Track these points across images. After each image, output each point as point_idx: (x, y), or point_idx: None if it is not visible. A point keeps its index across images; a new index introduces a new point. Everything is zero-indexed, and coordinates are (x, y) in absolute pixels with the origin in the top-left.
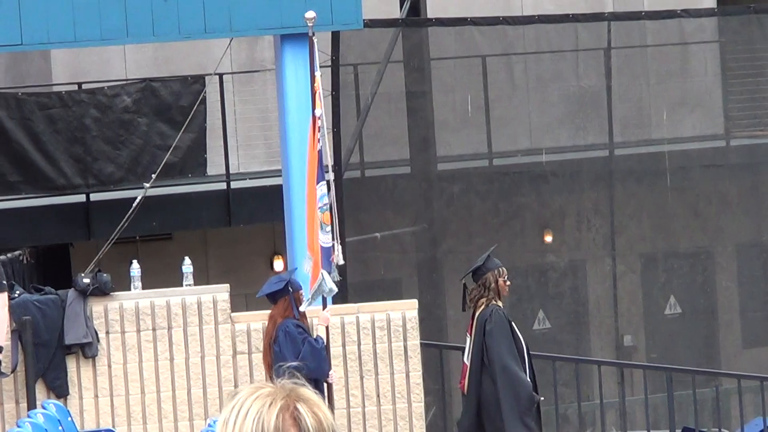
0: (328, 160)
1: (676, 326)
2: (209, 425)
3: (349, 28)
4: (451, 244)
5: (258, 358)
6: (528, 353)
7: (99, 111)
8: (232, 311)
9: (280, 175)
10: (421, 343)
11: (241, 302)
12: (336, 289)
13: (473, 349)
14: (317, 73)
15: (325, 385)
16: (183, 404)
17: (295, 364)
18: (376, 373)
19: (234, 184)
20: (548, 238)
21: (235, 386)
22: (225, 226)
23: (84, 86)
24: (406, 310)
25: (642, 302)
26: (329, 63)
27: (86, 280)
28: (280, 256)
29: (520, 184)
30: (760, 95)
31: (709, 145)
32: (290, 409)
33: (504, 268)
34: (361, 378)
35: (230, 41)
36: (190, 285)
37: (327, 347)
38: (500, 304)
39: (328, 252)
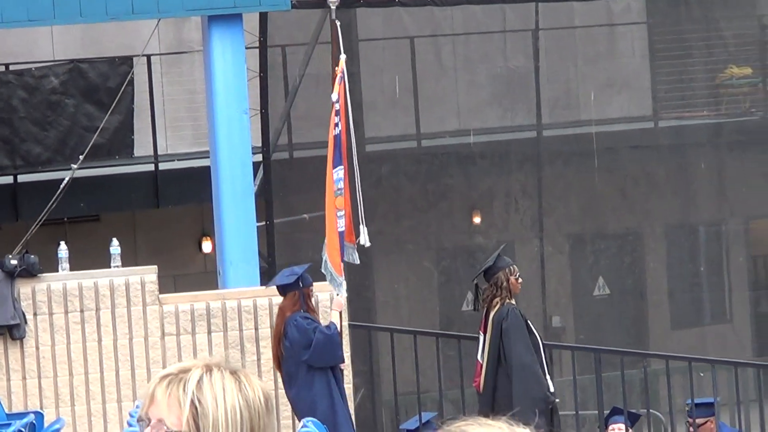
0: (352, 146)
1: (604, 307)
2: (137, 406)
3: (277, 9)
4: (379, 226)
5: (186, 339)
6: (544, 351)
7: (26, 92)
8: (160, 293)
9: (208, 157)
10: (349, 325)
11: (169, 283)
12: (343, 282)
13: (489, 348)
14: (342, 57)
15: (340, 370)
16: (111, 386)
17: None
18: None
19: (162, 166)
20: (476, 220)
21: (164, 368)
22: (153, 207)
23: (11, 67)
24: (330, 291)
25: (570, 283)
26: (257, 44)
27: (14, 262)
28: (208, 238)
29: (448, 165)
30: (687, 77)
31: (636, 126)
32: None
33: (515, 266)
34: None
35: (158, 22)
36: (118, 266)
37: (340, 333)
38: (513, 302)
39: (341, 237)
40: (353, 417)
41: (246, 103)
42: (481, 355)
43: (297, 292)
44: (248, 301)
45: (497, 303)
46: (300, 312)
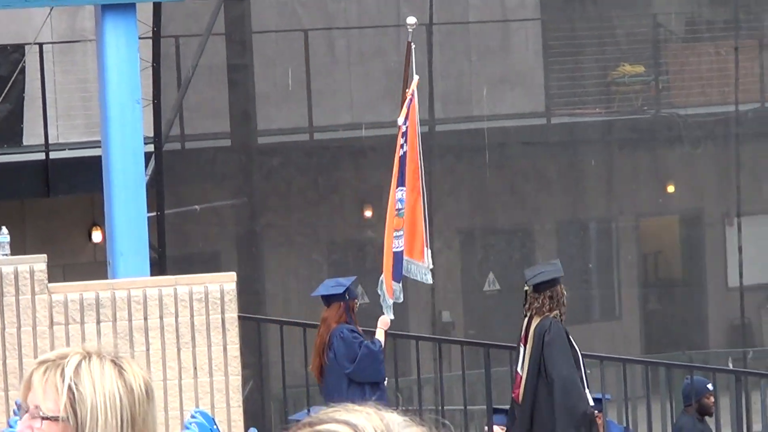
0: (422, 169)
1: (494, 303)
2: None
3: (171, 0)
4: (270, 218)
5: (75, 329)
6: (583, 365)
7: None
8: (50, 282)
9: (100, 146)
10: (239, 316)
11: (58, 273)
12: (395, 300)
13: (530, 359)
14: (414, 79)
15: (384, 386)
16: None
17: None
18: (194, 346)
19: (53, 155)
20: (367, 213)
21: None
22: (43, 196)
23: None
24: (224, 282)
25: (460, 279)
26: (150, 34)
27: None
28: (98, 228)
29: (340, 158)
30: (579, 74)
31: (529, 122)
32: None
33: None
34: (178, 350)
35: (50, 10)
36: (6, 255)
37: (384, 351)
38: (563, 316)
39: (399, 257)
40: (242, 410)
41: (139, 93)
42: (521, 367)
43: (342, 304)
44: (138, 291)
45: (545, 315)
46: (346, 324)
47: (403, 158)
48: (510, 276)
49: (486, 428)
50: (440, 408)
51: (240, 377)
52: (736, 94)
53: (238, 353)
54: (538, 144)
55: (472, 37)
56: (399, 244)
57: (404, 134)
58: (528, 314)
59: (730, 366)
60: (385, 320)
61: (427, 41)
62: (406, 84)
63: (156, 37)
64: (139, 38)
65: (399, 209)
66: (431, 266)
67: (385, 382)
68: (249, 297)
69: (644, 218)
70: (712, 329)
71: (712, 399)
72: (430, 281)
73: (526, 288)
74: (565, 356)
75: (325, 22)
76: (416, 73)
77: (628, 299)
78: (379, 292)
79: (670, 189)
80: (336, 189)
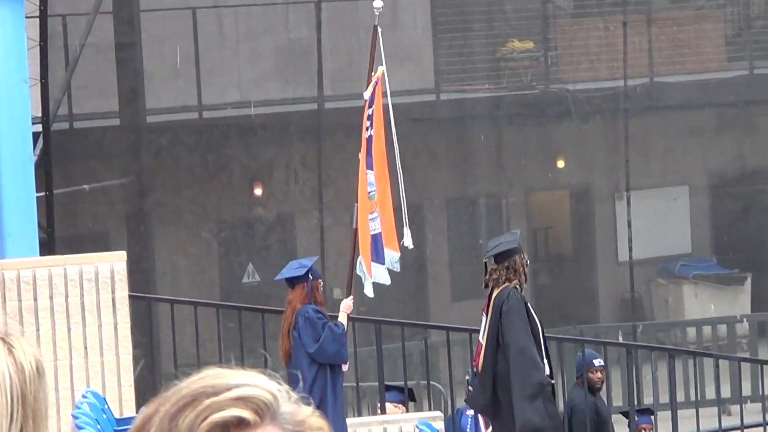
0: (396, 154)
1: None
2: None
3: None
4: (159, 197)
5: None
6: (543, 335)
7: None
8: None
9: None
10: (129, 296)
11: None
12: (383, 282)
13: (489, 329)
14: (381, 68)
15: (342, 369)
16: None
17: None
18: (84, 326)
19: None
20: (257, 191)
21: None
22: None
23: None
24: (114, 262)
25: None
26: (37, 13)
27: None
28: None
29: (228, 136)
30: (468, 50)
31: (418, 99)
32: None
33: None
34: (69, 330)
35: None
36: None
37: (345, 334)
38: (524, 286)
39: (377, 239)
40: (133, 389)
41: (26, 73)
42: (482, 336)
43: (306, 284)
44: (27, 272)
45: (505, 285)
46: (311, 305)
47: (369, 141)
48: (401, 252)
49: (378, 405)
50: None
51: (131, 357)
52: (624, 69)
53: (128, 332)
54: (428, 120)
55: (360, 14)
56: (375, 227)
57: (369, 117)
58: (490, 285)
59: (620, 340)
60: (347, 303)
61: (316, 18)
62: (372, 68)
63: (43, 16)
64: (26, 17)
65: (370, 192)
66: (411, 246)
67: (345, 367)
68: (139, 276)
69: (534, 193)
70: (603, 303)
71: (598, 374)
72: (398, 269)
73: (485, 260)
74: (521, 326)
75: (214, 0)
76: (380, 62)
77: None
78: (359, 272)
79: (560, 164)
80: (225, 167)
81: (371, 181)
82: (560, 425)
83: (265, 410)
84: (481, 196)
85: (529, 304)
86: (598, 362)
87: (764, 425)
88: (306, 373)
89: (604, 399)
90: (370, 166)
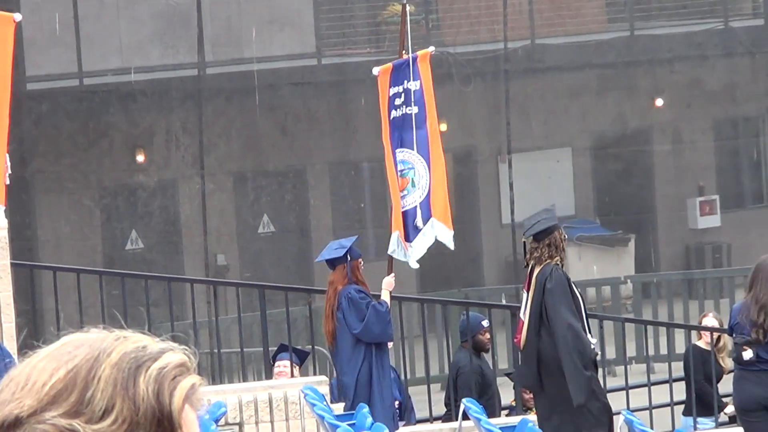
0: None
1: (269, 244)
2: None
3: None
4: (40, 164)
5: None
6: (585, 311)
7: None
8: None
9: None
10: (11, 264)
11: None
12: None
13: (532, 306)
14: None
15: (388, 347)
16: None
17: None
18: None
19: None
20: (139, 158)
21: None
22: None
23: None
24: None
25: (234, 221)
26: None
27: None
28: None
29: (109, 103)
30: (349, 14)
31: (299, 63)
32: None
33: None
34: None
35: None
36: None
37: (390, 312)
38: (564, 261)
39: (408, 217)
40: (17, 357)
41: None
42: (524, 313)
43: (345, 265)
44: None
45: (548, 262)
46: (353, 285)
47: (402, 119)
48: (283, 217)
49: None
50: (217, 351)
51: (14, 325)
52: (504, 32)
53: (11, 301)
54: (309, 84)
55: None
56: (404, 204)
57: (399, 95)
58: (530, 263)
59: (504, 302)
60: (389, 281)
61: None
62: (402, 45)
63: None
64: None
65: (401, 170)
66: (421, 225)
67: (390, 344)
68: (20, 244)
69: None
70: (487, 266)
71: (487, 335)
72: (452, 247)
73: (524, 239)
74: (566, 303)
75: None
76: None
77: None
78: (396, 248)
79: (443, 127)
80: (106, 133)
81: (404, 159)
82: (607, 400)
83: (196, 369)
84: (364, 161)
85: (571, 280)
86: (486, 323)
87: (648, 385)
88: (352, 354)
89: (489, 362)
90: (399, 145)
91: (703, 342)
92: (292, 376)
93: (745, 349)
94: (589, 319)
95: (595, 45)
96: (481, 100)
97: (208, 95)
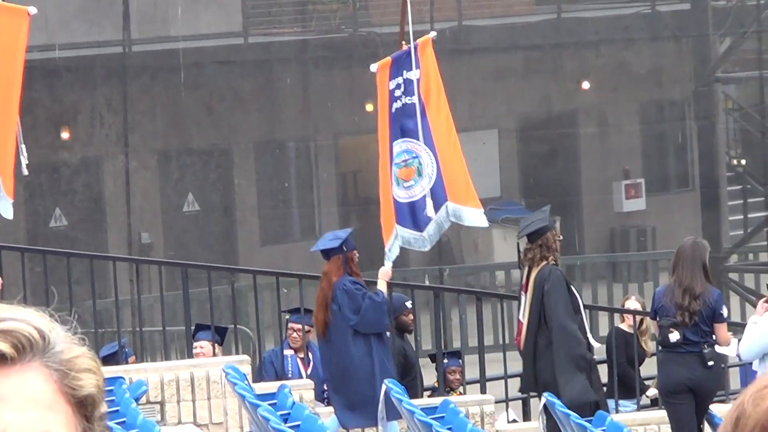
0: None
1: (193, 223)
2: None
3: None
4: None
5: None
6: (583, 310)
7: None
8: None
9: None
10: None
11: None
12: (420, 248)
13: (531, 307)
14: (433, 33)
15: (386, 336)
16: None
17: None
18: None
19: None
20: (64, 135)
21: None
22: None
23: None
24: None
25: (159, 199)
26: None
27: None
28: None
29: (33, 79)
30: None
31: (225, 42)
32: None
33: (557, 224)
34: None
35: None
36: None
37: (386, 302)
38: (559, 261)
39: (402, 207)
40: None
41: None
42: (523, 314)
43: (341, 256)
44: None
45: (542, 264)
46: (348, 276)
47: (402, 109)
48: (208, 196)
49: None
50: (139, 329)
51: None
52: (431, 13)
53: None
54: (234, 63)
55: None
56: (412, 194)
57: (399, 86)
58: (525, 265)
59: (427, 283)
60: (385, 271)
61: None
62: (402, 35)
63: None
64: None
65: (404, 160)
66: (433, 215)
67: (388, 334)
68: None
69: (342, 137)
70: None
71: (410, 316)
72: (486, 224)
73: (518, 240)
74: (564, 304)
75: None
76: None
77: (327, 218)
78: (392, 245)
79: (369, 108)
80: (30, 110)
81: (407, 149)
82: (603, 396)
83: (26, 346)
84: (290, 140)
85: (568, 281)
86: (409, 304)
87: None
88: (350, 345)
89: (412, 343)
90: (402, 135)
91: (626, 325)
92: (214, 354)
93: (672, 331)
94: (486, 298)
95: (522, 27)
96: None
97: (133, 72)
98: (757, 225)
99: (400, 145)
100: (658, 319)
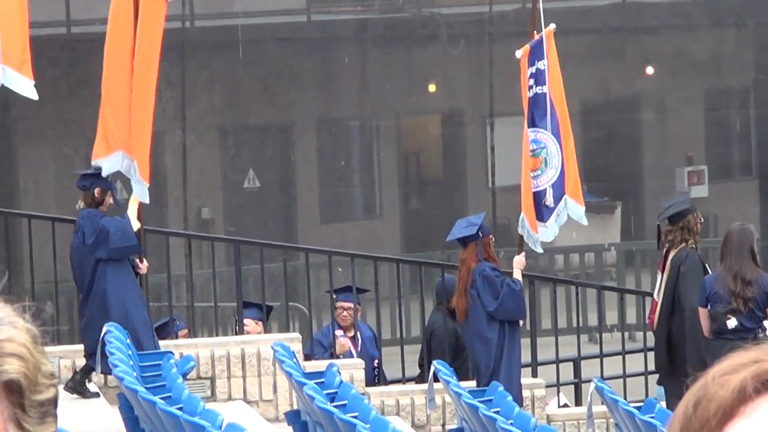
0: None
1: (253, 199)
2: None
3: None
4: (21, 111)
5: None
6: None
7: None
8: None
9: None
10: None
11: None
12: (544, 239)
13: (665, 288)
14: (551, 26)
15: (520, 325)
16: None
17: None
18: None
19: None
20: None
21: None
22: None
23: None
24: None
25: (218, 175)
26: None
27: None
28: None
29: (93, 52)
30: None
31: (284, 19)
32: None
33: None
34: None
35: None
36: None
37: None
38: (698, 244)
39: (538, 197)
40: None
41: None
42: (657, 294)
43: (477, 243)
44: None
45: (682, 246)
46: (486, 263)
47: (534, 98)
48: (266, 173)
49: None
50: (191, 305)
51: None
52: None
53: None
54: (294, 40)
55: None
56: (537, 184)
57: (533, 75)
58: (665, 246)
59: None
60: (520, 260)
61: None
62: (534, 24)
63: None
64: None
65: (534, 150)
66: (552, 204)
67: (521, 323)
68: (0, 190)
69: (404, 117)
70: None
71: None
72: (585, 223)
73: (658, 222)
74: (697, 287)
75: None
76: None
77: (388, 198)
78: (521, 231)
79: (431, 88)
80: (88, 82)
81: (536, 138)
82: None
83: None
84: (350, 119)
85: (706, 264)
86: None
87: (623, 354)
88: (486, 331)
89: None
90: (533, 124)
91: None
92: (266, 332)
93: (729, 318)
94: (570, 286)
95: (583, 11)
96: (466, 63)
97: (192, 47)
98: None
99: (530, 134)
100: (709, 307)
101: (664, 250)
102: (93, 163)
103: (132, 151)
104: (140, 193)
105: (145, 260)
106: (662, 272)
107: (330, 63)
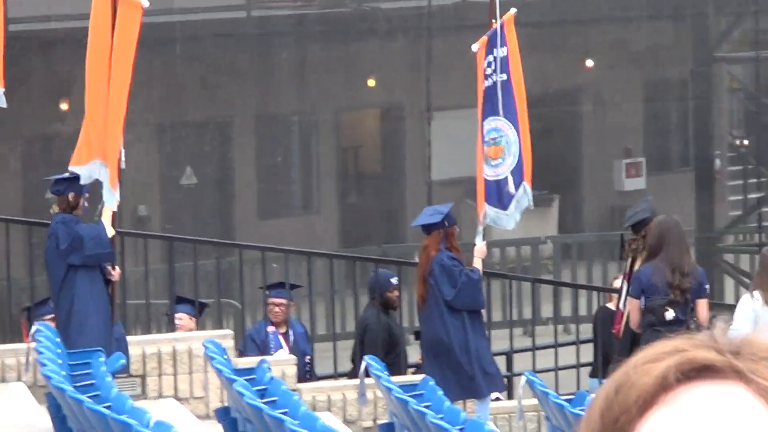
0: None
1: (189, 196)
2: None
3: None
4: None
5: None
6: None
7: None
8: None
9: None
10: None
11: None
12: (503, 227)
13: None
14: (511, 11)
15: (482, 315)
16: None
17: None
18: None
19: None
20: (63, 106)
21: None
22: None
23: None
24: None
25: (155, 172)
26: None
27: None
28: None
29: (30, 50)
30: None
31: (223, 15)
32: None
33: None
34: None
35: None
36: None
37: (482, 280)
38: None
39: (490, 185)
40: None
41: None
42: (622, 303)
43: (441, 231)
44: None
45: (645, 255)
46: (446, 252)
47: (492, 87)
48: (204, 169)
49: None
50: (122, 302)
51: None
52: None
53: None
54: (232, 36)
55: None
56: (498, 173)
57: (490, 64)
58: (629, 256)
59: (417, 260)
60: (481, 249)
61: None
62: (492, 14)
63: None
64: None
65: (493, 138)
66: (513, 192)
67: (483, 312)
68: None
69: (342, 112)
70: (408, 223)
71: (395, 293)
72: (532, 206)
73: (622, 231)
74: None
75: None
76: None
77: (326, 193)
78: (489, 222)
79: (370, 83)
80: (26, 81)
81: (496, 126)
82: None
83: None
84: (288, 114)
85: None
86: (394, 280)
87: (555, 347)
88: (447, 320)
89: (397, 320)
90: (490, 113)
91: (613, 304)
92: (198, 329)
93: (667, 310)
94: (505, 279)
95: (523, 4)
96: (403, 57)
97: None
98: (750, 206)
99: (490, 123)
100: (645, 298)
101: (629, 259)
102: (70, 168)
103: (107, 158)
104: (108, 201)
105: (117, 267)
106: (627, 282)
107: (269, 59)
